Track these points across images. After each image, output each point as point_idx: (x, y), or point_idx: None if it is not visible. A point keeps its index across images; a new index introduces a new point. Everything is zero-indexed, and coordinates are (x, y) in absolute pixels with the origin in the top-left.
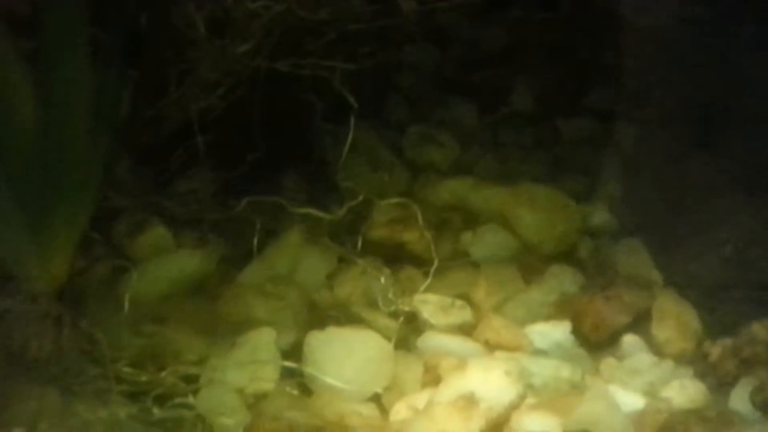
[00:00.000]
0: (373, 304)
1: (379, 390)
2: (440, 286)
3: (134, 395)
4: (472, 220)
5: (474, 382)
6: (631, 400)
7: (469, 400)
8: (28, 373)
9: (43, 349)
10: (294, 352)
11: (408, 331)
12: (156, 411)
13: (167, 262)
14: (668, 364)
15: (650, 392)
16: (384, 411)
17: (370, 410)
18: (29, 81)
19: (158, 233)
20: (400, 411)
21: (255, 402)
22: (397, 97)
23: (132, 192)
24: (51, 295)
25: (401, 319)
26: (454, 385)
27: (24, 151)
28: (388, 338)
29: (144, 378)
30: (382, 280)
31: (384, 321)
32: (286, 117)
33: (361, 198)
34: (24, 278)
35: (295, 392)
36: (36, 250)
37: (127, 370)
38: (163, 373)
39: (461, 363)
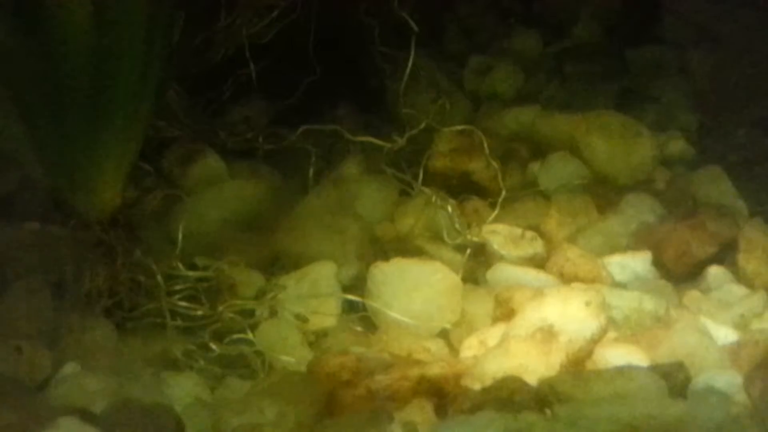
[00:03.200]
0: (437, 237)
1: (447, 325)
2: (508, 218)
3: (190, 330)
4: (539, 149)
5: (552, 314)
6: (722, 333)
7: (548, 333)
8: (81, 305)
9: (96, 280)
10: (355, 286)
11: (475, 265)
12: (214, 347)
13: (220, 192)
14: (760, 296)
15: (741, 325)
16: (452, 348)
17: (438, 346)
18: (88, 5)
19: (211, 163)
20: (471, 346)
21: (316, 338)
22: (455, 27)
23: (182, 121)
24: (103, 223)
25: (468, 251)
26: (530, 318)
27: (77, 77)
28: (454, 272)
29: (200, 312)
30: (449, 210)
31: (449, 254)
32: (342, 42)
33: (423, 126)
34: (76, 205)
35: (358, 328)
36: (88, 177)
37: (182, 304)
38: (220, 308)
39: (537, 294)
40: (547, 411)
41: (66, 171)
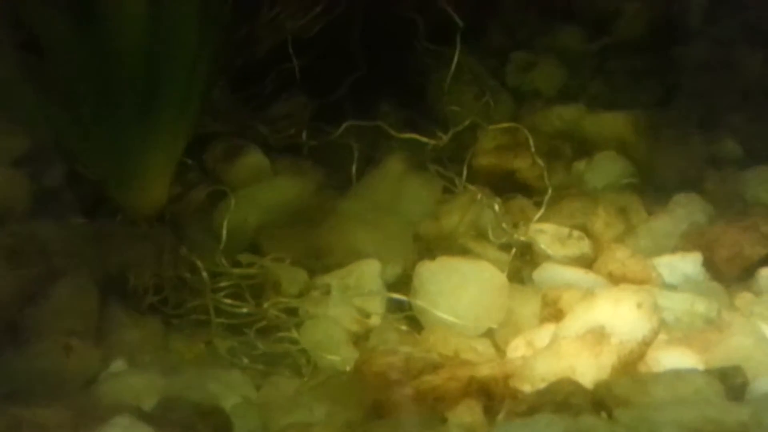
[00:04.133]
0: (481, 236)
1: (494, 325)
2: (554, 217)
3: (234, 328)
4: (583, 148)
5: (603, 315)
6: None
7: (599, 335)
8: (126, 302)
9: (141, 277)
10: (400, 284)
11: (520, 264)
12: (260, 345)
13: (264, 189)
14: None
15: None
16: (498, 348)
17: (484, 346)
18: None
19: (255, 159)
20: (518, 347)
21: (361, 338)
22: (496, 23)
23: (225, 117)
24: (150, 219)
25: (513, 251)
26: (581, 319)
27: (130, 72)
28: (500, 271)
29: (245, 310)
30: (496, 207)
31: (494, 253)
32: (387, 37)
33: (467, 123)
34: (123, 201)
35: (404, 327)
36: (136, 172)
37: (227, 301)
38: (265, 305)
39: (587, 295)
40: (603, 414)
41: (115, 166)
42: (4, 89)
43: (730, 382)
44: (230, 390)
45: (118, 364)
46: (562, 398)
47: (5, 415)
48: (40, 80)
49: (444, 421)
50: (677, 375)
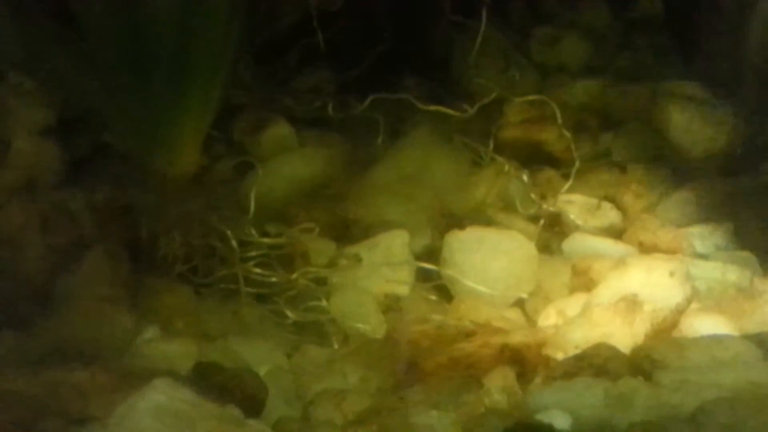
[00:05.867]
0: (509, 207)
1: (524, 295)
2: (582, 188)
3: (263, 297)
4: (609, 121)
5: (636, 284)
6: None
7: (632, 303)
8: (157, 270)
9: (171, 245)
10: (428, 255)
11: (549, 235)
12: (289, 313)
13: (291, 160)
14: None
15: None
16: (529, 317)
17: (515, 316)
18: None
19: (281, 131)
20: (549, 316)
21: (391, 307)
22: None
23: (250, 89)
24: (179, 189)
25: (542, 221)
26: (613, 287)
27: (162, 41)
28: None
29: (274, 279)
30: (525, 178)
31: (522, 224)
32: (411, 10)
33: (494, 95)
34: (153, 171)
35: (433, 297)
36: (168, 140)
37: (256, 270)
38: (294, 275)
39: (619, 264)
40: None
41: (145, 135)
42: (36, 59)
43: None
44: (262, 358)
45: (152, 331)
46: (600, 363)
47: (41, 378)
48: (72, 50)
49: (481, 385)
50: (715, 340)
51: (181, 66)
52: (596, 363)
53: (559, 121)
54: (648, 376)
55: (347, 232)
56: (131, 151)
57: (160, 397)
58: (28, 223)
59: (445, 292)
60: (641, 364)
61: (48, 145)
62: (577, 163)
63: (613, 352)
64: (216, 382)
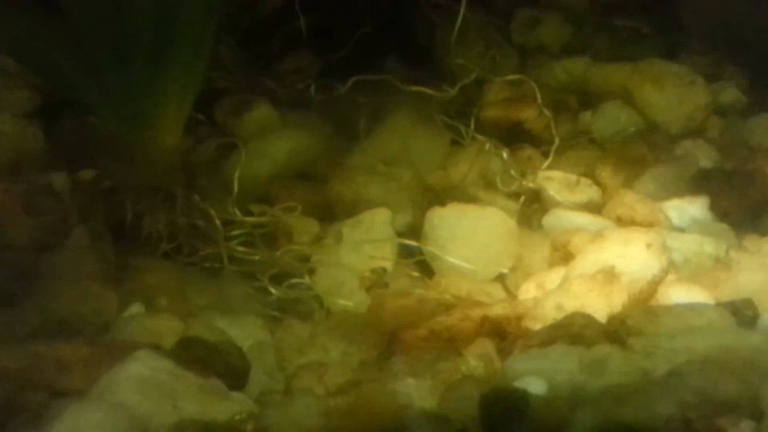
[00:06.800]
0: (490, 185)
1: (504, 270)
2: (562, 166)
3: (247, 275)
4: (588, 100)
5: (613, 256)
6: None
7: (610, 274)
8: (141, 249)
9: (155, 225)
10: (410, 233)
11: (529, 212)
12: (273, 290)
13: (274, 141)
14: None
15: None
16: (509, 292)
17: (496, 290)
18: None
19: (264, 112)
20: (528, 290)
21: (373, 283)
22: None
23: (233, 73)
24: (163, 169)
25: (522, 198)
26: (591, 259)
27: (141, 22)
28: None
29: (257, 257)
30: (505, 156)
31: (503, 201)
32: None
33: (474, 76)
34: (136, 151)
35: (415, 273)
36: (150, 121)
37: (240, 249)
38: (278, 253)
39: (596, 237)
40: (614, 344)
41: (128, 116)
42: (18, 42)
43: (742, 314)
44: (245, 333)
45: (136, 308)
46: (576, 330)
47: (24, 352)
48: (55, 33)
49: (459, 355)
50: (689, 308)
51: (163, 47)
52: (572, 331)
53: (539, 100)
54: (622, 343)
55: (330, 211)
56: (114, 132)
57: (142, 368)
58: (13, 203)
59: (427, 268)
60: (616, 332)
61: (32, 128)
62: (557, 141)
63: (588, 320)
64: (199, 356)
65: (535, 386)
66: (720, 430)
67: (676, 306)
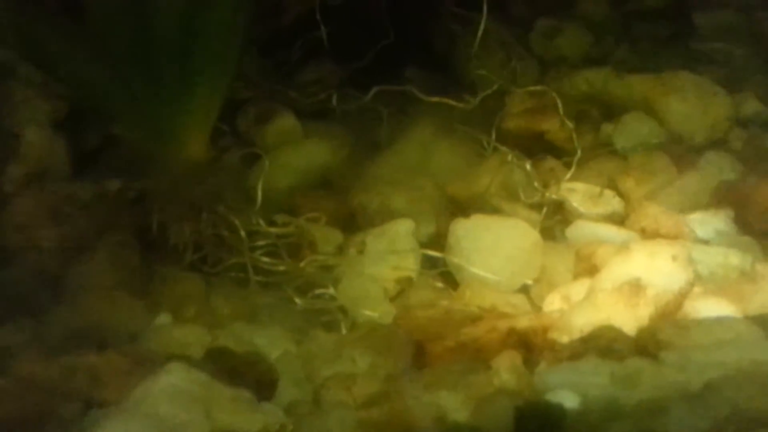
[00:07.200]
0: (512, 196)
1: (528, 281)
2: (584, 177)
3: (272, 285)
4: (610, 111)
5: (639, 268)
6: None
7: (636, 287)
8: (167, 259)
9: (181, 235)
10: (433, 243)
11: (552, 223)
12: (298, 301)
13: (296, 151)
14: None
15: None
16: (533, 303)
17: (520, 302)
18: None
19: (287, 122)
20: (553, 301)
21: (397, 294)
22: None
23: (255, 83)
24: (188, 179)
25: (545, 209)
26: (616, 272)
27: (169, 32)
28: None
29: (282, 268)
30: (528, 167)
31: (526, 212)
32: (413, 3)
33: (496, 87)
34: (162, 161)
35: (439, 284)
36: (176, 131)
37: (264, 259)
38: (302, 263)
39: (622, 249)
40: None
41: (155, 125)
42: (45, 52)
43: None
44: (272, 344)
45: (163, 318)
46: (605, 344)
47: (57, 363)
48: (80, 43)
49: (488, 368)
50: (718, 321)
51: (189, 58)
52: (601, 344)
53: (561, 111)
54: (654, 357)
55: (353, 221)
56: (140, 143)
57: (175, 379)
58: (40, 213)
59: (451, 280)
60: (646, 345)
61: (58, 138)
62: (579, 152)
63: (617, 333)
64: (228, 367)
65: (569, 400)
66: None
67: (706, 320)
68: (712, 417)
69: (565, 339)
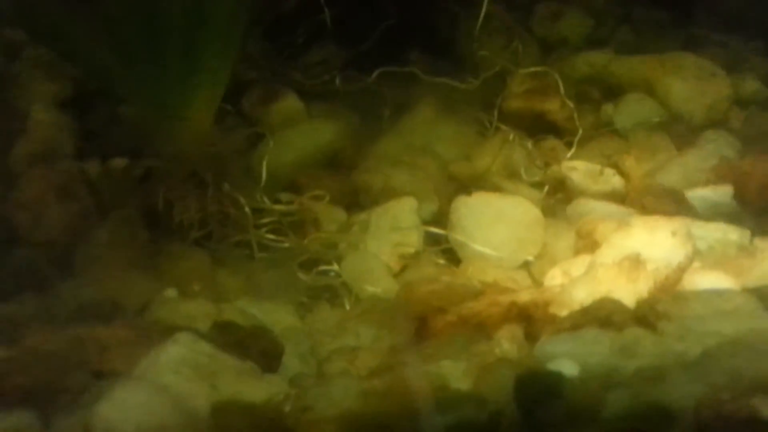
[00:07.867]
0: (514, 175)
1: (530, 258)
2: (585, 156)
3: (276, 262)
4: (611, 91)
5: (638, 243)
6: None
7: (635, 261)
8: (172, 236)
9: (187, 212)
10: (435, 221)
11: (553, 201)
12: (302, 277)
13: (300, 131)
14: None
15: None
16: (535, 279)
17: (522, 278)
18: None
19: (291, 103)
20: (554, 277)
21: (400, 270)
22: None
23: (259, 64)
24: (193, 157)
25: (546, 188)
26: (617, 247)
27: (173, 11)
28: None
29: (286, 245)
30: (529, 146)
31: (527, 190)
32: None
33: (498, 68)
34: (168, 140)
35: (441, 261)
36: (182, 109)
37: (269, 236)
38: (306, 240)
39: (622, 225)
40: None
41: (160, 104)
42: (52, 31)
43: (767, 300)
44: (276, 318)
45: (170, 293)
46: (605, 315)
47: (65, 335)
48: (87, 22)
49: (490, 339)
50: (716, 293)
51: (194, 36)
52: (601, 315)
53: (562, 91)
54: (652, 327)
55: (356, 200)
56: (146, 121)
57: (182, 350)
58: (47, 191)
59: (453, 256)
60: (645, 316)
61: (64, 118)
62: (580, 132)
63: (617, 305)
64: (234, 340)
65: (569, 368)
66: (753, 410)
67: (704, 291)
68: (710, 383)
69: (565, 313)
